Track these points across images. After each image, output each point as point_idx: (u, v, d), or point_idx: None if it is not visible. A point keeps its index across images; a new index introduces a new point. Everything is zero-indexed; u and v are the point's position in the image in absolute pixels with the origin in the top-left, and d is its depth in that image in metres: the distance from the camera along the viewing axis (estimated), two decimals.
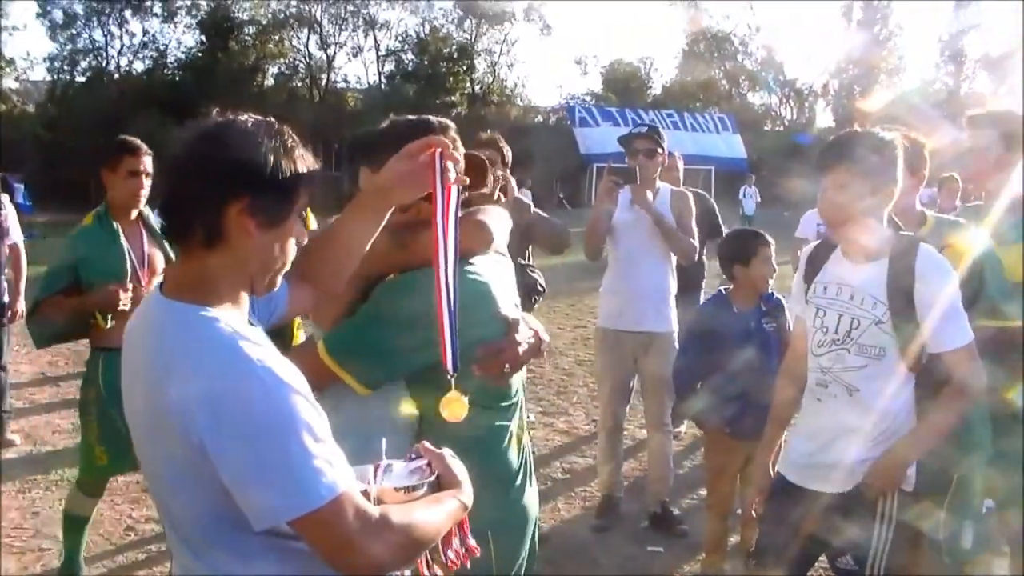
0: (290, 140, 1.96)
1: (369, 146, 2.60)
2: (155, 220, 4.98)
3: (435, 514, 1.98)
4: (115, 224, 4.85)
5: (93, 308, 4.67)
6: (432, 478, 2.06)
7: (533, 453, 6.69)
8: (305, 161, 1.98)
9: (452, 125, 2.61)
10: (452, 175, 2.24)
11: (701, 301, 6.88)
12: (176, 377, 1.77)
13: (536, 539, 2.95)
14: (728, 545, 5.23)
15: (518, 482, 2.79)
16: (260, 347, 1.86)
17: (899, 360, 3.27)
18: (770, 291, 5.00)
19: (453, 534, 2.15)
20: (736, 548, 5.27)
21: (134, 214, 4.91)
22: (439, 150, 2.22)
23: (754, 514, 3.84)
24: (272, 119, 1.99)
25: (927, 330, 3.20)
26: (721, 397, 4.87)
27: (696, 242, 6.00)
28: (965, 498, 3.66)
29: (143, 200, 4.87)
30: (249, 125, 1.92)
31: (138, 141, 4.90)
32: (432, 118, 2.64)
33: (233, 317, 1.91)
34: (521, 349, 2.69)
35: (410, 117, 2.70)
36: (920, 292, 3.20)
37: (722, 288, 5.14)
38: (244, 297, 1.98)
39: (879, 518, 3.31)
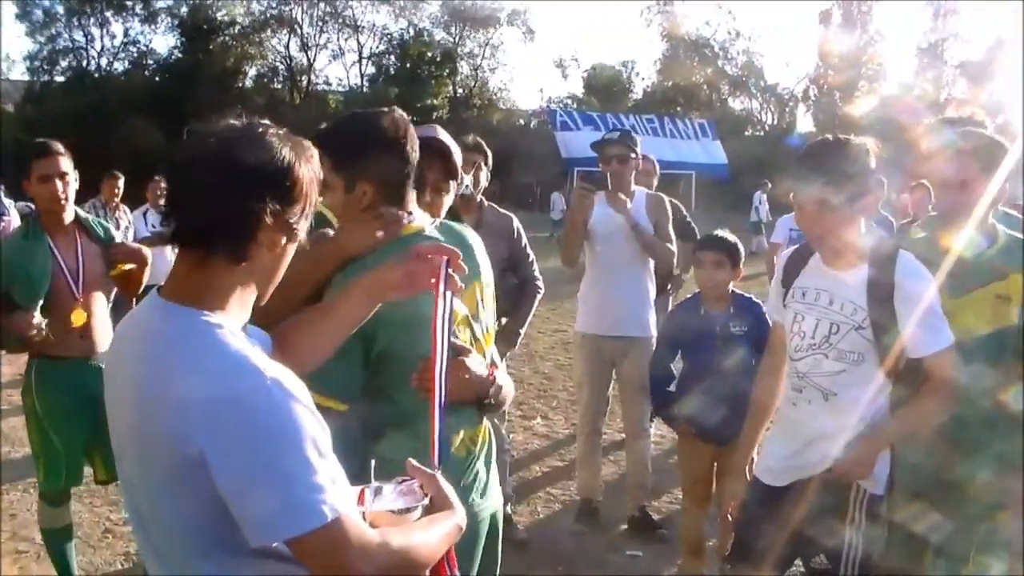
0: (309, 150, 1.93)
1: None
2: (101, 224, 4.83)
3: (431, 537, 1.94)
4: (44, 234, 4.58)
5: (9, 331, 4.41)
6: (425, 500, 2.03)
7: (512, 457, 6.73)
8: (317, 175, 1.96)
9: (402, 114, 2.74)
10: (457, 282, 2.28)
11: (670, 305, 6.96)
12: (178, 384, 1.73)
13: (497, 548, 2.96)
14: (706, 548, 5.25)
15: (461, 486, 2.79)
16: (264, 355, 1.82)
17: (877, 365, 3.29)
18: (746, 295, 5.01)
19: (444, 569, 2.16)
20: (714, 551, 5.29)
21: (67, 219, 4.67)
22: (447, 258, 2.26)
23: (729, 518, 3.86)
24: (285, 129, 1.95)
25: (906, 335, 3.23)
26: (689, 399, 4.91)
27: (674, 247, 6.01)
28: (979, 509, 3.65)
29: (66, 203, 4.60)
30: (280, 140, 1.88)
31: (51, 143, 4.62)
32: (386, 113, 2.73)
33: (237, 325, 1.88)
34: (464, 376, 2.65)
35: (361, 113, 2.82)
36: (900, 298, 3.22)
37: (695, 291, 5.16)
38: (249, 305, 1.94)
39: (849, 523, 3.32)
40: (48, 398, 4.57)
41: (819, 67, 65.07)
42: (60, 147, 4.58)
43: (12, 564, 5.38)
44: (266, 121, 1.92)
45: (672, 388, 5.14)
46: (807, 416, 3.42)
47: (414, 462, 2.13)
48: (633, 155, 5.98)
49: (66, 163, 4.57)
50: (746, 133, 61.42)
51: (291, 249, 1.94)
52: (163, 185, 10.45)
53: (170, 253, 9.85)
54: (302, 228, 1.91)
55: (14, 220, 7.52)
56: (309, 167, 1.90)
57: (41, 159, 4.52)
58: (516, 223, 5.81)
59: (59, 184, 4.53)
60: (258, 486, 1.69)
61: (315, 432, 1.75)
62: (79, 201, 4.89)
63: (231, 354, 1.76)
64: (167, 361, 1.78)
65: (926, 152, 3.82)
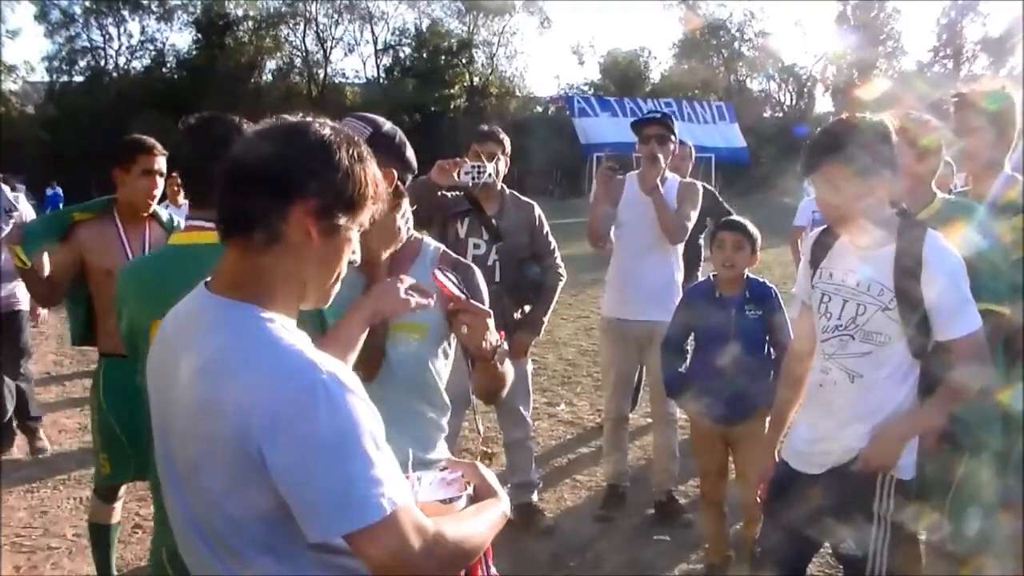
0: (366, 151, 1.93)
1: None
2: (168, 215, 4.99)
3: (481, 527, 1.95)
4: (117, 223, 4.73)
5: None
6: (470, 490, 2.04)
7: (538, 444, 6.73)
8: (377, 178, 1.94)
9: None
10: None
11: None
12: (235, 381, 1.73)
13: None
14: (730, 535, 5.25)
15: None
16: (316, 349, 1.82)
17: (904, 348, 3.25)
18: (760, 279, 5.01)
19: (479, 561, 2.18)
20: (739, 536, 5.29)
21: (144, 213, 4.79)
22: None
23: (759, 499, 3.85)
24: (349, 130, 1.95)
25: (934, 317, 3.19)
26: (699, 381, 4.92)
27: (689, 225, 5.98)
28: (970, 491, 3.62)
29: (155, 201, 4.80)
30: (327, 130, 1.89)
31: (152, 140, 4.77)
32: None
33: (288, 318, 1.88)
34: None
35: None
36: (927, 279, 3.17)
37: (712, 274, 5.16)
38: (297, 304, 1.93)
39: (876, 517, 3.30)
40: (114, 393, 4.60)
41: (836, 46, 64.72)
42: (160, 147, 4.75)
43: (45, 560, 5.43)
44: (322, 119, 1.94)
45: (683, 369, 5.16)
46: (834, 398, 3.39)
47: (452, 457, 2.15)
48: (672, 138, 5.97)
49: (165, 164, 4.74)
50: (764, 115, 61.13)
51: (335, 245, 1.91)
52: (180, 181, 10.53)
53: None
54: (349, 223, 1.89)
55: (26, 216, 7.43)
56: (353, 161, 1.88)
57: (148, 155, 4.68)
58: (537, 211, 5.81)
59: (159, 182, 4.73)
60: (316, 482, 1.69)
61: (371, 425, 1.74)
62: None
63: (285, 350, 1.76)
64: (222, 359, 1.78)
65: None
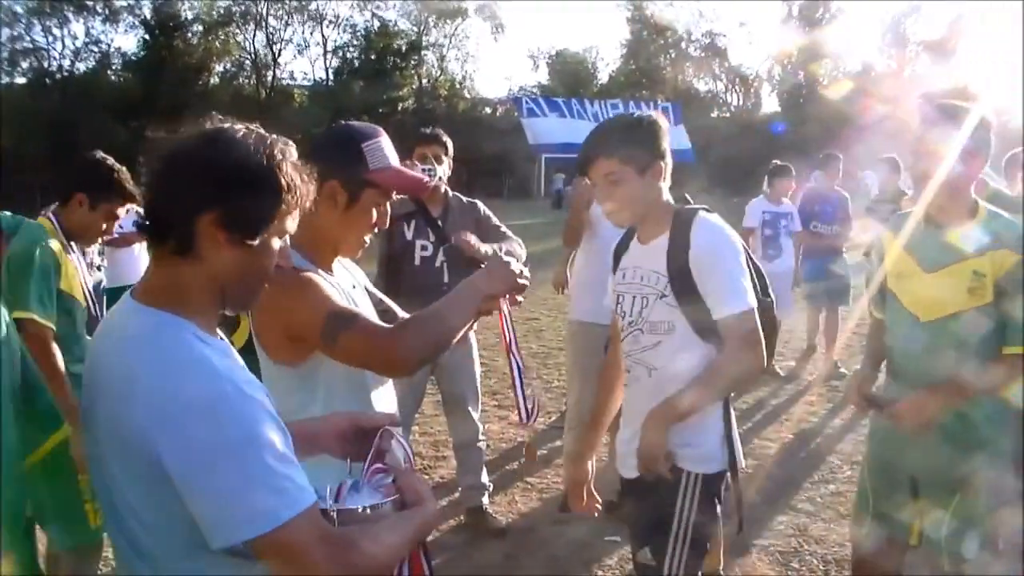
0: (279, 155, 1.89)
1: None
2: None
3: (401, 534, 1.93)
4: None
5: None
6: (396, 496, 2.01)
7: (488, 447, 6.72)
8: (294, 180, 1.91)
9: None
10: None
11: None
12: (139, 386, 1.73)
13: None
14: None
15: None
16: (227, 359, 1.83)
17: (689, 333, 3.22)
18: None
19: (418, 562, 2.16)
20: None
21: None
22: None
23: (595, 515, 3.85)
24: (266, 132, 1.94)
25: (706, 297, 3.16)
26: None
27: None
28: (971, 503, 3.53)
29: None
30: (238, 135, 1.87)
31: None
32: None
33: (202, 327, 1.87)
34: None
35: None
36: (694, 259, 3.16)
37: None
38: (216, 310, 1.94)
39: (678, 512, 3.24)
40: None
41: (782, 46, 65.32)
42: None
43: None
44: (249, 125, 1.93)
45: None
46: (638, 394, 3.37)
47: (399, 456, 2.14)
48: None
49: None
50: (712, 115, 61.55)
51: (248, 251, 1.88)
52: None
53: (137, 251, 9.84)
54: (254, 229, 1.87)
55: None
56: (266, 168, 1.86)
57: None
58: (481, 207, 5.77)
59: None
60: (214, 489, 1.71)
61: (272, 434, 1.75)
62: (44, 205, 4.79)
63: (190, 356, 1.77)
64: (131, 362, 1.78)
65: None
